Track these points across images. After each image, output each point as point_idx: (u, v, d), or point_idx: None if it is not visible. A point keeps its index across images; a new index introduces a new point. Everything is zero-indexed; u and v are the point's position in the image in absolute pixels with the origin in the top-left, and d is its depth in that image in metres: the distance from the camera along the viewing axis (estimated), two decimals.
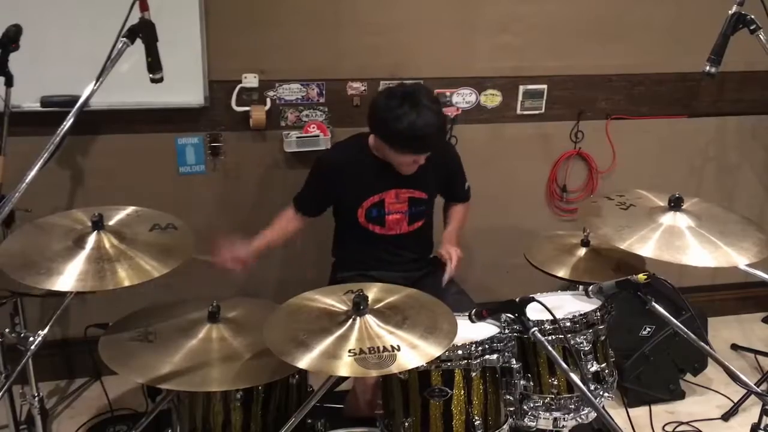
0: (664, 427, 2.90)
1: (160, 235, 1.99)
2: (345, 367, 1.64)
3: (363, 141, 2.57)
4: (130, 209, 2.08)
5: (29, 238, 1.92)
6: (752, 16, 2.05)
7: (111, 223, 1.97)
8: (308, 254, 3.12)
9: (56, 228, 1.94)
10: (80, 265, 1.78)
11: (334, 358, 1.67)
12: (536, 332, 1.77)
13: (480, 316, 1.91)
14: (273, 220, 2.62)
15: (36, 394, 2.22)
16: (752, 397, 2.85)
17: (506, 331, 2.05)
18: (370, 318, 1.79)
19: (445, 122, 2.48)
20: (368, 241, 2.59)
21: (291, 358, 1.67)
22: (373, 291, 1.93)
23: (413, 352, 1.70)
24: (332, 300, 1.91)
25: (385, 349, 1.70)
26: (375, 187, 2.53)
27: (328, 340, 1.72)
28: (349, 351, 1.68)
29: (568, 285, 2.39)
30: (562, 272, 2.32)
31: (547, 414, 2.11)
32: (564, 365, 1.75)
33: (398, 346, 1.71)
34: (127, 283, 1.77)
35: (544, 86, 3.22)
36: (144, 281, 1.80)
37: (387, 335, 1.74)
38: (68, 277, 1.74)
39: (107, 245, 1.87)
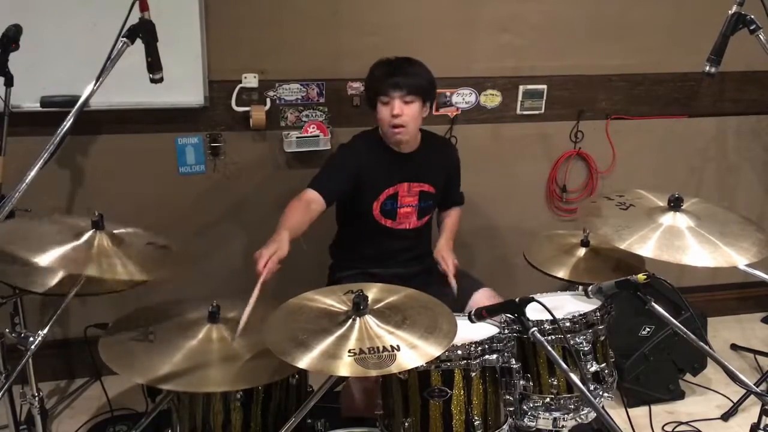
0: (663, 427, 2.90)
1: (153, 251, 2.02)
2: (345, 367, 1.64)
3: (375, 135, 2.60)
4: (130, 229, 2.09)
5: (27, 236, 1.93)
6: (752, 16, 2.05)
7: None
8: (307, 254, 3.11)
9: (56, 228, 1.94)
10: (70, 251, 1.80)
11: (334, 358, 1.67)
12: (536, 332, 1.77)
13: (480, 316, 1.91)
14: (285, 211, 2.34)
15: (36, 394, 2.21)
16: (752, 397, 2.84)
17: (506, 331, 2.05)
18: (369, 318, 1.79)
19: (424, 69, 2.50)
20: (377, 236, 2.60)
21: (291, 358, 1.67)
22: (373, 291, 1.93)
23: (413, 352, 1.70)
24: (332, 300, 1.91)
25: (384, 349, 1.70)
26: (390, 179, 2.56)
27: (328, 340, 1.72)
28: (349, 351, 1.68)
29: (568, 285, 2.39)
30: (562, 272, 2.31)
31: (547, 414, 2.11)
32: (564, 365, 1.75)
33: (398, 346, 1.71)
34: (113, 277, 1.80)
35: (544, 86, 3.22)
36: (136, 284, 1.82)
37: (387, 335, 1.74)
38: (54, 254, 1.76)
39: (104, 243, 1.88)
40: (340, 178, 2.51)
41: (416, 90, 2.43)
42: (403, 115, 2.42)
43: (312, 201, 2.39)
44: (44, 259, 1.74)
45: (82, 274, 1.77)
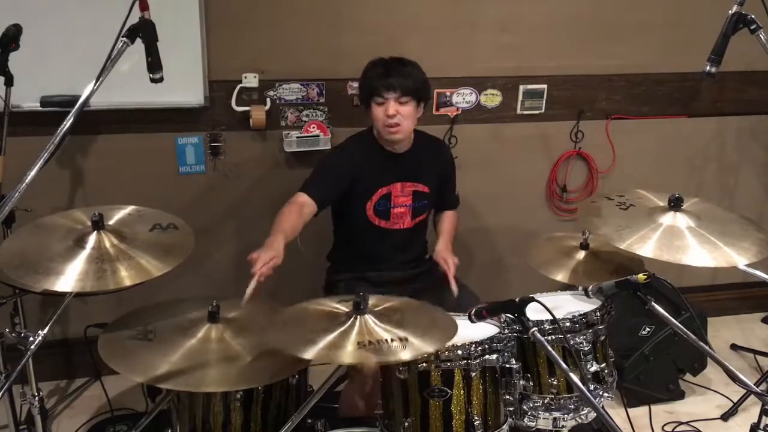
0: (663, 427, 2.90)
1: (160, 234, 1.99)
2: (349, 355, 1.67)
3: (369, 135, 2.60)
4: (130, 208, 2.08)
5: (29, 238, 1.92)
6: (752, 16, 2.05)
7: (111, 222, 1.97)
8: (305, 258, 3.11)
9: (56, 228, 1.93)
10: (80, 266, 1.78)
11: (338, 348, 1.69)
12: (536, 332, 1.77)
13: (480, 316, 1.91)
14: (279, 215, 2.33)
15: (36, 394, 2.22)
16: (752, 397, 2.84)
17: (506, 331, 2.05)
18: (369, 318, 1.80)
19: (417, 69, 2.50)
20: (371, 237, 2.60)
21: (296, 350, 1.69)
22: (371, 300, 1.93)
23: (414, 344, 1.72)
24: (332, 304, 1.92)
25: (386, 340, 1.72)
26: (383, 179, 2.56)
27: (332, 335, 1.74)
28: (352, 341, 1.71)
29: (568, 285, 2.39)
30: (561, 275, 2.31)
31: (547, 414, 2.12)
32: (564, 365, 1.75)
33: (402, 337, 1.73)
34: (127, 283, 1.77)
35: (544, 86, 3.22)
36: (144, 281, 1.80)
37: (386, 334, 1.75)
38: (68, 278, 1.74)
39: (107, 245, 1.86)
40: (332, 181, 2.51)
41: (410, 91, 2.45)
42: (398, 114, 2.44)
43: (305, 204, 2.39)
44: (59, 286, 1.73)
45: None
